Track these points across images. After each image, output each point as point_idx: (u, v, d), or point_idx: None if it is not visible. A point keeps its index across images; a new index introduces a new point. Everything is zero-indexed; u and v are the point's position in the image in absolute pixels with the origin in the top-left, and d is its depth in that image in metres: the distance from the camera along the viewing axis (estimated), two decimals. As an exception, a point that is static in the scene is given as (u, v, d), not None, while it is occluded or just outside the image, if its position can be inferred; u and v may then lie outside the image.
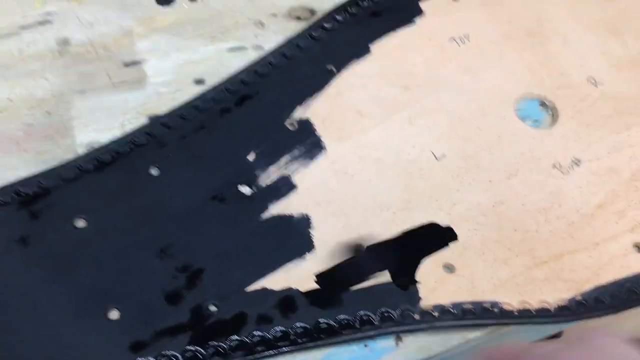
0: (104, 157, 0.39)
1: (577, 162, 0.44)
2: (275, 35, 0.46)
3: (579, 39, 0.50)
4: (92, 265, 0.35)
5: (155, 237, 0.37)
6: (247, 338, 0.34)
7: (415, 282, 0.37)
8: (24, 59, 0.42)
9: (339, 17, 0.47)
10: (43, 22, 0.44)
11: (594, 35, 0.50)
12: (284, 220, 0.39)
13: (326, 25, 0.46)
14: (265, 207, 0.39)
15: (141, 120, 0.41)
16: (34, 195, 0.37)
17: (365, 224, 0.39)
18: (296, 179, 0.40)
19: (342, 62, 0.45)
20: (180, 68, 0.44)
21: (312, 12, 0.48)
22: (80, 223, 0.37)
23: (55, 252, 0.35)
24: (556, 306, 0.38)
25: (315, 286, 0.36)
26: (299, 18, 0.48)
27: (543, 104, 0.47)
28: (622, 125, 0.46)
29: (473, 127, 0.44)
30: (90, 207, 0.37)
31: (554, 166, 0.43)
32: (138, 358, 0.33)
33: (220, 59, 0.45)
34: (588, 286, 0.39)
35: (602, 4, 0.52)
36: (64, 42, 0.43)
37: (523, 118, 0.45)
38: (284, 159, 0.41)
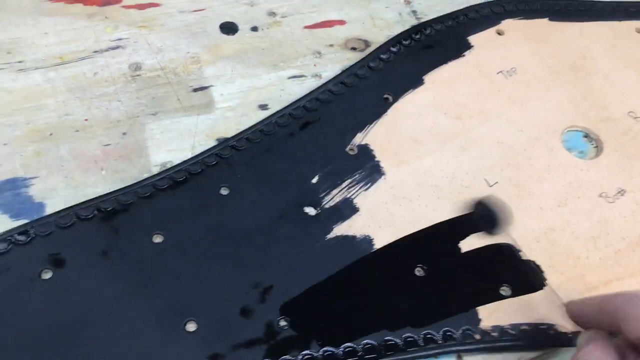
0: (177, 177, 0.41)
1: (621, 192, 0.46)
2: (332, 65, 0.49)
3: (620, 75, 0.52)
4: (169, 279, 0.37)
5: (228, 254, 0.38)
6: (316, 353, 0.36)
7: None
8: (99, 81, 0.45)
9: (393, 49, 0.49)
10: (115, 47, 0.46)
11: (634, 72, 0.53)
12: (347, 241, 0.40)
13: (382, 56, 0.48)
14: (329, 228, 0.41)
15: (210, 143, 0.43)
16: (114, 211, 0.39)
17: (425, 247, 0.41)
18: (358, 201, 0.42)
19: (397, 92, 0.47)
20: (244, 94, 0.46)
21: (367, 43, 0.50)
22: (158, 239, 0.38)
23: (135, 266, 0.37)
24: (608, 329, 0.40)
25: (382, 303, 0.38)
26: (354, 49, 0.50)
27: (587, 135, 0.49)
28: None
29: (523, 157, 0.46)
30: (166, 223, 0.39)
31: (600, 195, 0.45)
32: (216, 369, 0.35)
33: (281, 86, 0.47)
34: (637, 311, 0.41)
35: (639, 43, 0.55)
36: (136, 67, 0.46)
37: (569, 149, 0.47)
38: (346, 182, 0.43)
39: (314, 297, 0.38)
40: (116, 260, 0.37)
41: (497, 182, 0.44)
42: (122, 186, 0.40)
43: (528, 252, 0.42)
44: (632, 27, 0.56)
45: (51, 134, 0.42)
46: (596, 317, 0.35)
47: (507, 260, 0.41)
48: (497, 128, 0.47)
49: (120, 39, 0.47)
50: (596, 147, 0.48)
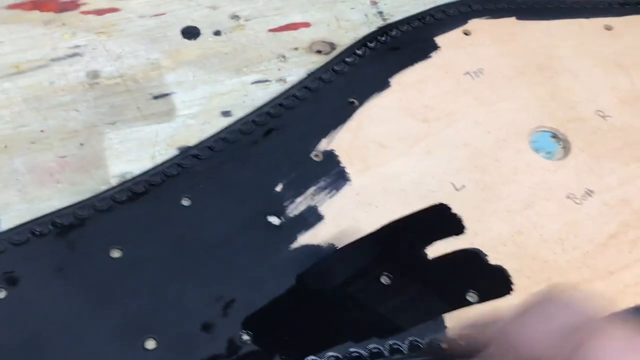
0: (136, 188, 0.40)
1: (590, 193, 0.45)
2: (297, 68, 0.48)
3: (588, 74, 0.52)
4: (128, 295, 0.36)
5: (189, 267, 0.38)
6: (280, 366, 0.35)
7: None
8: (55, 90, 0.43)
9: (359, 52, 0.48)
10: (73, 55, 0.45)
11: (602, 70, 0.52)
12: (312, 250, 0.40)
13: (347, 59, 0.48)
14: (294, 238, 0.40)
15: (171, 152, 0.42)
16: (70, 226, 0.38)
17: (391, 254, 0.41)
18: (322, 209, 0.41)
19: (363, 95, 0.46)
20: (207, 100, 0.45)
21: (333, 46, 0.50)
22: (116, 253, 0.37)
23: (92, 283, 0.36)
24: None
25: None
26: (319, 52, 0.49)
27: (555, 136, 0.48)
28: (632, 157, 0.47)
29: (490, 159, 0.46)
30: (124, 237, 0.38)
31: (568, 197, 0.45)
32: (176, 387, 0.34)
33: (245, 92, 0.46)
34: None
35: (608, 40, 0.54)
36: (94, 75, 0.44)
37: (537, 150, 0.47)
38: (311, 189, 0.42)
39: (276, 310, 0.37)
40: (72, 277, 0.36)
41: (464, 186, 0.44)
42: (79, 199, 0.39)
43: (495, 257, 0.41)
44: (600, 25, 0.56)
45: (6, 146, 0.40)
46: (478, 342, 0.32)
47: (474, 266, 0.41)
48: (464, 130, 0.47)
49: (78, 46, 0.46)
50: (564, 147, 0.48)
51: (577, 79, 0.51)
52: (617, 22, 0.56)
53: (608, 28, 0.55)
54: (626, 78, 0.52)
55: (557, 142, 0.48)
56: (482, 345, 0.31)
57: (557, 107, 0.49)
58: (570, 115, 0.49)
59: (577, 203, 0.45)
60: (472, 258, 0.41)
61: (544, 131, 0.48)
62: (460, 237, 0.42)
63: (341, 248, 0.40)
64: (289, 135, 0.44)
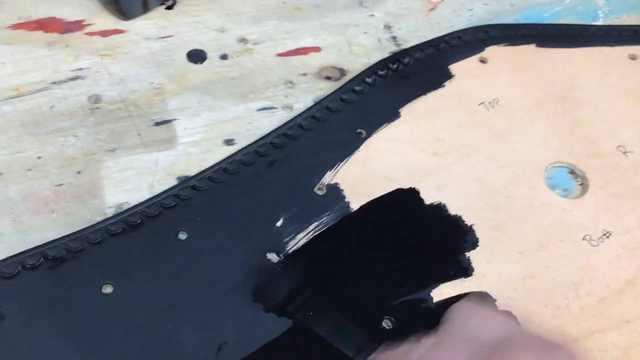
0: (132, 220, 0.38)
1: (607, 234, 0.43)
2: (304, 95, 0.46)
3: (610, 106, 0.50)
4: (118, 335, 0.35)
5: (182, 306, 0.36)
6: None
7: None
8: (55, 115, 0.42)
9: (369, 80, 0.47)
10: (75, 78, 0.44)
11: (625, 102, 0.50)
12: (312, 290, 0.38)
13: (356, 88, 0.46)
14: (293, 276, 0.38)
15: (170, 181, 0.41)
16: (62, 259, 0.36)
17: (394, 296, 0.39)
18: (324, 246, 0.40)
19: (371, 126, 0.45)
20: (210, 128, 0.44)
21: (342, 72, 0.48)
22: (107, 289, 0.36)
23: (82, 320, 0.35)
24: (587, 388, 0.37)
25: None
26: (328, 78, 0.48)
27: (573, 172, 0.46)
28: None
29: (503, 196, 0.43)
30: (117, 272, 0.37)
31: (584, 238, 0.43)
32: None
33: (250, 119, 0.45)
34: (619, 366, 0.38)
35: (633, 70, 0.52)
36: (95, 99, 0.43)
37: (553, 187, 0.45)
38: (312, 225, 0.40)
39: (271, 355, 0.35)
40: (62, 313, 0.35)
41: (473, 224, 0.42)
42: (73, 230, 0.37)
43: (504, 302, 0.39)
44: (624, 53, 0.53)
45: (1, 173, 0.39)
46: None
47: (482, 311, 0.39)
48: (477, 164, 0.45)
49: (80, 69, 0.45)
50: (582, 184, 0.46)
51: (599, 111, 0.49)
52: (643, 51, 0.54)
53: (632, 57, 0.53)
54: (650, 111, 0.50)
55: (574, 179, 0.46)
56: None
57: (576, 141, 0.47)
58: (589, 150, 0.47)
59: (593, 245, 0.42)
60: (480, 303, 0.39)
61: (562, 167, 0.46)
62: (468, 279, 0.40)
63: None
64: (292, 168, 0.42)
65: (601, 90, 0.50)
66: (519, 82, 0.49)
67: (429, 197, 0.43)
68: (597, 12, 0.57)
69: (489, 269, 0.40)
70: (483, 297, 0.31)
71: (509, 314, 0.30)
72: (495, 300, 0.38)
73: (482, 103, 0.48)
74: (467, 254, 0.41)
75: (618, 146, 0.47)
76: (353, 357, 0.35)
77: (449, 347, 0.28)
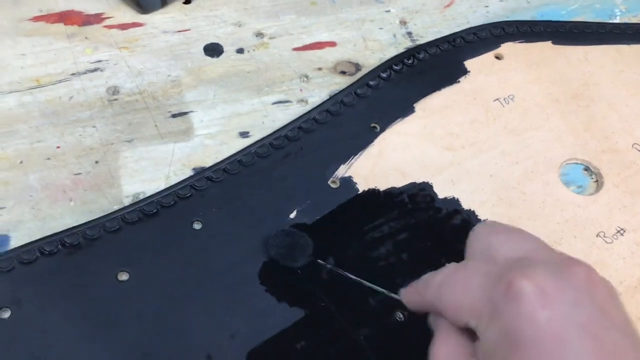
0: (148, 209, 0.39)
1: (621, 231, 0.43)
2: (319, 89, 0.47)
3: (625, 104, 0.49)
4: (132, 322, 0.35)
5: (195, 294, 0.37)
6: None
7: None
8: (74, 106, 0.43)
9: (384, 75, 0.47)
10: (94, 70, 0.45)
11: (641, 100, 0.50)
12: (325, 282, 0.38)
13: (371, 82, 0.46)
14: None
15: (186, 172, 0.41)
16: (79, 246, 0.37)
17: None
18: (337, 238, 0.40)
19: (385, 120, 0.45)
20: (226, 120, 0.44)
21: (358, 67, 0.48)
22: (123, 276, 0.37)
23: (98, 306, 0.36)
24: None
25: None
26: (343, 72, 0.48)
27: (587, 169, 0.46)
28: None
29: (517, 192, 0.44)
30: (133, 260, 0.37)
31: (598, 235, 0.43)
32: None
33: (265, 112, 0.45)
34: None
35: (649, 68, 0.52)
36: (114, 91, 0.44)
37: (567, 183, 0.45)
38: (326, 217, 0.40)
39: (281, 344, 0.36)
40: (78, 299, 0.36)
41: (487, 219, 0.42)
42: (91, 218, 0.38)
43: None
44: (641, 51, 0.53)
45: (21, 162, 0.40)
46: (423, 304, 0.31)
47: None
48: (491, 160, 0.45)
49: (99, 61, 0.45)
50: (596, 181, 0.46)
51: (614, 108, 0.49)
52: (660, 49, 0.53)
53: (650, 55, 0.53)
54: (667, 109, 0.49)
55: (589, 176, 0.46)
56: (427, 304, 0.30)
57: (591, 138, 0.47)
58: (604, 147, 0.47)
59: (607, 242, 0.42)
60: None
61: (576, 163, 0.46)
62: (480, 273, 0.40)
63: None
64: (306, 160, 0.42)
65: (617, 88, 0.50)
66: (534, 79, 0.49)
67: (442, 191, 0.43)
68: (614, 10, 0.56)
69: (501, 263, 0.40)
70: (499, 222, 0.32)
71: (527, 233, 0.30)
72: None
73: (497, 99, 0.48)
74: (480, 248, 0.41)
75: (634, 144, 0.47)
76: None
77: (469, 269, 0.28)
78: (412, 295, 0.31)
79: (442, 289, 0.28)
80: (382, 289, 0.35)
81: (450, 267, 0.29)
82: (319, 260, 0.38)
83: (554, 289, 0.25)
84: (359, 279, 0.37)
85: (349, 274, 0.37)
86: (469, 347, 0.27)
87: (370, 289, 0.36)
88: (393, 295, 0.34)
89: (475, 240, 0.30)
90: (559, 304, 0.24)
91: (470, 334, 0.27)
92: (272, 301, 0.37)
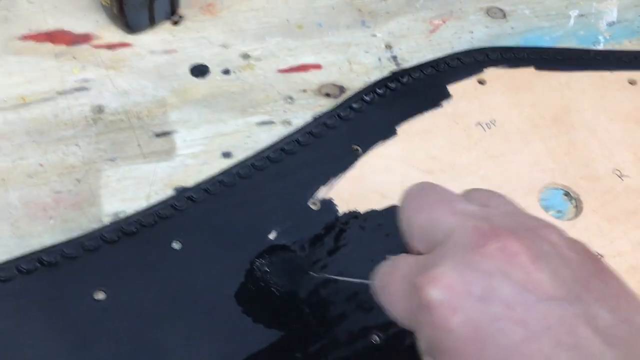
0: (127, 229, 0.39)
1: (599, 257, 0.43)
2: (303, 111, 0.47)
3: (606, 130, 0.50)
4: (108, 342, 0.35)
5: (172, 314, 0.37)
6: None
7: None
8: (59, 124, 0.43)
9: (367, 98, 0.47)
10: (80, 89, 0.45)
11: (622, 126, 0.50)
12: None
13: (354, 105, 0.47)
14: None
15: (167, 192, 0.42)
16: (57, 265, 0.37)
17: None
18: (316, 260, 0.40)
19: (367, 143, 0.45)
20: (209, 140, 0.45)
21: (342, 89, 0.49)
22: (100, 295, 0.37)
23: (74, 325, 0.36)
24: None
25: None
26: (328, 95, 0.48)
27: (567, 194, 0.46)
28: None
29: (495, 216, 0.44)
30: (110, 279, 0.37)
31: (576, 260, 0.43)
32: None
33: (248, 133, 0.45)
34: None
35: (631, 95, 0.52)
36: (99, 110, 0.45)
37: (547, 208, 0.45)
38: (305, 239, 0.41)
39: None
40: (54, 317, 0.36)
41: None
42: (70, 237, 0.38)
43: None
44: (624, 78, 0.54)
45: (3, 179, 0.40)
46: None
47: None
48: (471, 184, 0.45)
49: (86, 80, 0.46)
50: (576, 206, 0.46)
51: (595, 134, 0.50)
52: (642, 76, 0.54)
53: (632, 82, 0.54)
54: (647, 136, 0.50)
55: (569, 201, 0.46)
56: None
57: (571, 164, 0.48)
58: (584, 173, 0.47)
59: (585, 267, 0.43)
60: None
61: (557, 188, 0.47)
62: (457, 297, 0.40)
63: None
64: (287, 182, 0.43)
65: (598, 113, 0.51)
66: (516, 104, 0.50)
67: (421, 214, 0.43)
68: (598, 37, 0.57)
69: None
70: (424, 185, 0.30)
71: (451, 198, 0.29)
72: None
73: (479, 123, 0.48)
74: (458, 272, 0.41)
75: (613, 169, 0.48)
76: None
77: (397, 269, 0.27)
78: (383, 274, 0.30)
79: (380, 294, 0.28)
80: None
81: (385, 265, 0.28)
82: (311, 273, 0.39)
83: (461, 285, 0.23)
84: (352, 279, 0.37)
85: (342, 278, 0.38)
86: None
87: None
88: None
89: (402, 214, 0.29)
90: (468, 302, 0.22)
91: None
92: (250, 323, 0.37)
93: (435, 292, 0.23)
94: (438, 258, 0.25)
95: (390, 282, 0.27)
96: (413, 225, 0.28)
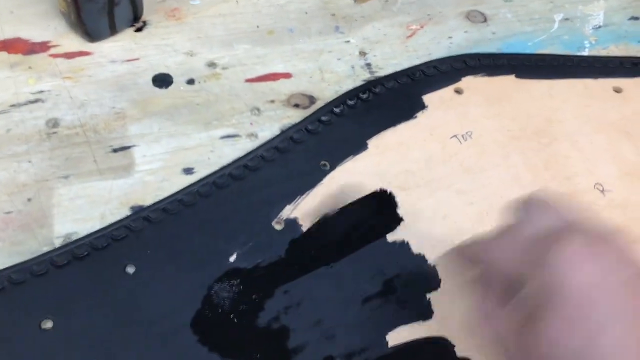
0: (78, 252, 0.37)
1: (578, 277, 0.41)
2: (270, 123, 0.45)
3: (590, 141, 0.48)
4: (53, 373, 0.34)
5: (125, 344, 0.35)
6: None
7: None
8: (11, 139, 0.41)
9: (337, 110, 0.45)
10: (34, 101, 0.43)
11: (606, 137, 0.48)
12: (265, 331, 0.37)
13: (323, 118, 0.45)
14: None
15: (123, 211, 0.40)
16: (3, 291, 0.35)
17: (347, 339, 0.37)
18: (278, 284, 0.38)
19: (336, 158, 0.43)
20: (170, 155, 0.42)
21: (312, 99, 0.47)
22: (48, 324, 0.35)
23: (20, 357, 0.34)
24: None
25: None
26: (297, 105, 0.46)
27: (546, 210, 0.44)
28: (629, 238, 0.43)
29: (470, 235, 0.42)
30: (59, 306, 0.35)
31: (554, 281, 0.41)
32: None
33: (212, 147, 0.43)
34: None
35: (616, 104, 0.50)
36: (54, 123, 0.42)
37: (524, 225, 0.43)
38: (267, 262, 0.39)
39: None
40: (1, 349, 0.34)
41: (437, 264, 0.40)
42: (19, 261, 0.36)
43: (464, 347, 0.38)
44: (609, 86, 0.52)
45: (-51, 199, 0.38)
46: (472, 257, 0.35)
47: (440, 357, 0.38)
48: (445, 200, 0.43)
49: (41, 92, 0.44)
50: (555, 223, 0.44)
51: (577, 146, 0.47)
52: (628, 83, 0.52)
53: (617, 90, 0.52)
54: (632, 147, 0.48)
55: (548, 217, 0.44)
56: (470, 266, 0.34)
57: (551, 178, 0.46)
58: (564, 188, 0.45)
59: (563, 289, 0.41)
60: (438, 348, 0.38)
61: (534, 204, 0.45)
62: (427, 322, 0.38)
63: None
64: (250, 200, 0.41)
65: (581, 124, 0.49)
66: (494, 114, 0.48)
67: (392, 234, 0.41)
68: (583, 42, 0.55)
69: (450, 311, 0.39)
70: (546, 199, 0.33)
71: (568, 209, 0.32)
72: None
73: (455, 136, 0.46)
74: (428, 295, 0.39)
75: (595, 184, 0.46)
76: None
77: (519, 229, 0.31)
78: (463, 251, 0.35)
79: (494, 244, 0.31)
80: None
81: (503, 227, 0.32)
82: None
83: (591, 253, 0.28)
84: None
85: None
86: (508, 294, 0.30)
87: None
88: None
89: (523, 211, 0.32)
90: (594, 266, 0.27)
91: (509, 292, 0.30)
92: (206, 353, 0.35)
93: (570, 247, 0.28)
94: (567, 230, 0.29)
95: (511, 236, 0.31)
96: (535, 218, 0.31)
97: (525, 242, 0.30)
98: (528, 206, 0.32)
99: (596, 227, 0.30)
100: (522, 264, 0.29)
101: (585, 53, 0.54)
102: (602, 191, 0.45)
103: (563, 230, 0.29)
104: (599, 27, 0.56)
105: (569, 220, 0.31)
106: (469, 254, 0.34)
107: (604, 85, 0.52)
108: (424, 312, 0.39)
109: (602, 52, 0.55)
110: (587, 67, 0.53)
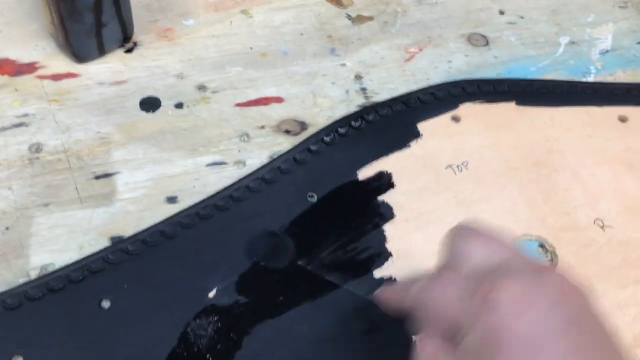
0: (54, 285, 0.36)
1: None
2: (259, 150, 0.44)
3: (591, 173, 0.46)
4: (20, 415, 0.33)
5: (96, 383, 0.34)
6: None
7: None
8: (-7, 164, 0.41)
9: (327, 139, 0.44)
10: (19, 125, 0.42)
11: (609, 169, 0.46)
12: (239, 370, 0.35)
13: (312, 147, 0.43)
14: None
15: (102, 242, 0.39)
16: (-27, 326, 0.35)
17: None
18: (258, 321, 0.37)
19: (324, 190, 0.42)
20: (153, 183, 0.41)
21: (304, 125, 0.45)
22: (17, 361, 0.34)
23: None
24: None
25: None
26: (288, 132, 0.45)
27: (542, 246, 0.43)
28: (629, 279, 0.41)
29: (460, 273, 0.40)
30: (31, 342, 0.34)
31: (547, 323, 0.39)
32: None
33: (197, 175, 0.42)
34: None
35: (621, 134, 0.48)
36: (37, 149, 0.42)
37: (518, 263, 0.42)
38: (246, 298, 0.38)
39: None
40: (-36, 387, 0.33)
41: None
42: (-8, 293, 0.36)
43: None
44: (614, 115, 0.50)
45: None
46: (400, 308, 0.33)
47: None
48: (437, 234, 0.41)
49: (25, 115, 0.43)
50: (551, 260, 0.42)
51: (578, 178, 0.46)
52: (634, 112, 0.50)
53: (622, 119, 0.50)
54: (635, 181, 0.46)
55: (544, 254, 0.42)
56: (406, 308, 0.31)
57: (549, 212, 0.44)
58: (563, 223, 0.44)
59: (557, 332, 0.39)
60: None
61: (530, 240, 0.43)
62: None
63: None
64: (233, 233, 0.39)
65: (583, 155, 0.47)
66: (493, 144, 0.46)
67: (379, 270, 0.40)
68: (589, 67, 0.53)
69: (436, 355, 0.37)
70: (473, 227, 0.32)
71: (501, 241, 0.30)
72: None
73: (450, 166, 0.45)
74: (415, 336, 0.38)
75: (595, 219, 0.44)
76: None
77: (446, 279, 0.29)
78: (389, 297, 0.34)
79: (421, 297, 0.30)
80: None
81: (429, 277, 0.30)
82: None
83: (528, 297, 0.26)
84: None
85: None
86: (449, 347, 0.28)
87: None
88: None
89: (452, 246, 0.31)
90: (533, 311, 0.26)
91: (449, 335, 0.28)
92: (179, 392, 0.34)
93: (504, 296, 0.26)
94: (501, 274, 0.27)
95: (437, 288, 0.29)
96: (464, 255, 0.30)
97: (459, 284, 0.29)
98: (457, 240, 0.31)
99: (528, 263, 0.29)
100: (459, 310, 0.28)
101: (591, 79, 0.52)
102: (602, 227, 0.44)
103: (495, 273, 0.28)
104: (607, 51, 0.54)
105: (500, 256, 0.29)
106: (398, 301, 0.33)
107: (609, 113, 0.50)
108: (410, 353, 0.37)
109: (609, 78, 0.53)
110: (591, 94, 0.51)
